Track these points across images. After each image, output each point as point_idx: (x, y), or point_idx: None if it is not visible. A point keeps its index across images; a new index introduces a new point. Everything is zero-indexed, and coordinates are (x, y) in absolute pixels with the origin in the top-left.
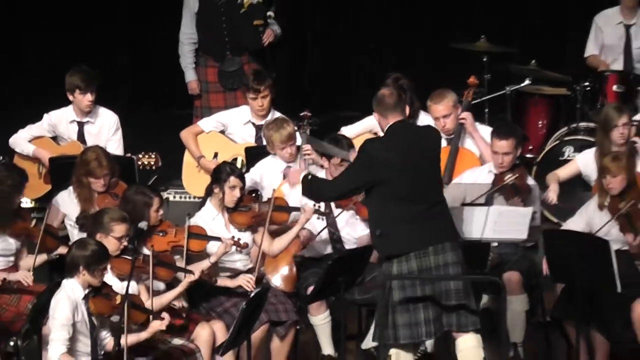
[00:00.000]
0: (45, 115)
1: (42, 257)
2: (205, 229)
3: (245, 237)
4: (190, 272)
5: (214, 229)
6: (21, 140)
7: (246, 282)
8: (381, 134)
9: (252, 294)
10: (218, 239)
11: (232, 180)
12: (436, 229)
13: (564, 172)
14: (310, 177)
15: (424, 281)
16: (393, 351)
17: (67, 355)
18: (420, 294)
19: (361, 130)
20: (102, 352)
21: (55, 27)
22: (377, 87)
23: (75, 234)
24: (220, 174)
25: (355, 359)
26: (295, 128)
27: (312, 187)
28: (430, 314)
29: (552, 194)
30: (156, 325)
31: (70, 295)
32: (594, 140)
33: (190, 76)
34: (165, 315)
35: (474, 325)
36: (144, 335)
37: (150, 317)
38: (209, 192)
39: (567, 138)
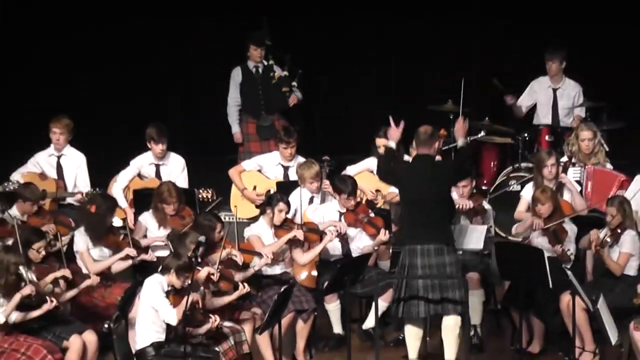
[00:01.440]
0: (132, 162)
1: (128, 262)
2: (260, 238)
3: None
4: (243, 285)
5: (266, 239)
6: (119, 194)
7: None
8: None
9: (282, 290)
10: (260, 254)
11: (281, 205)
12: (426, 234)
13: (522, 208)
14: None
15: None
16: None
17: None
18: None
19: (362, 169)
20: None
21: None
22: (371, 137)
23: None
24: (272, 200)
25: (357, 337)
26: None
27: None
28: (422, 301)
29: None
30: (208, 326)
31: (160, 281)
32: (531, 176)
33: (235, 129)
34: (216, 317)
35: (455, 311)
36: (201, 331)
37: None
38: (262, 212)
39: (512, 175)
